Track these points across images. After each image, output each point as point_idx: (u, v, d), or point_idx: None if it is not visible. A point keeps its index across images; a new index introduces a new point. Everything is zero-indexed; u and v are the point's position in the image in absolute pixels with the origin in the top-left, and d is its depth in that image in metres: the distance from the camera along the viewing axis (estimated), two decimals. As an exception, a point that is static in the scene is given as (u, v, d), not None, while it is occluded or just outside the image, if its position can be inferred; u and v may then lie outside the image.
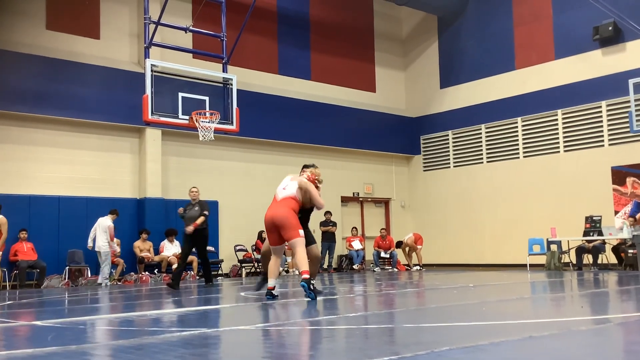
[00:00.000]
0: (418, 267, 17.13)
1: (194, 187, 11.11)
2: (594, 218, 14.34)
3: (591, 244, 14.31)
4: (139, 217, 14.80)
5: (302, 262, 7.27)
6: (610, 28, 15.63)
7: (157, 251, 14.58)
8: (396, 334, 4.68)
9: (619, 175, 15.57)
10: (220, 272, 15.56)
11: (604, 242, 14.41)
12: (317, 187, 7.89)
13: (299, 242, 7.32)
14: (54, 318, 6.29)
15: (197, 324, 5.56)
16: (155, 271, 14.13)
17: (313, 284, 7.44)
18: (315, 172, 8.02)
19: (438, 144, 19.77)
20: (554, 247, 14.63)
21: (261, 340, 4.53)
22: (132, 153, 15.09)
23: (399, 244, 17.58)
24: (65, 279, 12.98)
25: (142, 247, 14.32)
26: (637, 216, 14.24)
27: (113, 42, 15.08)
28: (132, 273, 13.83)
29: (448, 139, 19.44)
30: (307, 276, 7.17)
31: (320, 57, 18.77)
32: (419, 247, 17.29)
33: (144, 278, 13.62)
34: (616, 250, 14.10)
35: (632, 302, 6.87)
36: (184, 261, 10.90)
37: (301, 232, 7.40)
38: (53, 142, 14.00)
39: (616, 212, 15.49)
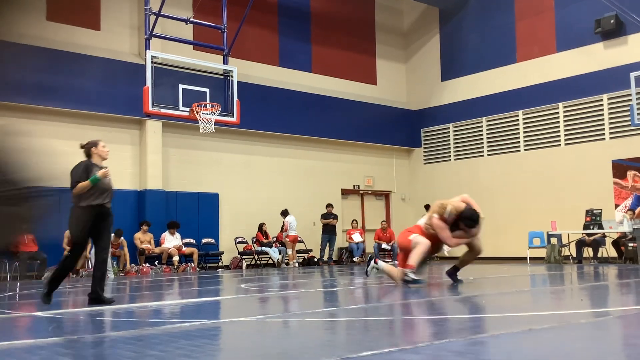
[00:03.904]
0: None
1: (102, 141, 7.18)
2: (595, 211, 14.34)
3: (591, 238, 14.31)
4: (139, 208, 14.82)
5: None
6: (612, 21, 15.59)
7: (157, 243, 14.60)
8: (396, 326, 4.69)
9: (620, 168, 15.56)
10: (220, 264, 15.61)
11: (604, 236, 14.41)
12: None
13: None
14: (55, 309, 6.30)
15: (198, 316, 5.58)
16: (156, 263, 14.17)
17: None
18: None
19: (439, 136, 19.74)
20: (554, 240, 14.63)
21: (261, 332, 4.54)
22: (132, 145, 15.09)
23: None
24: (65, 270, 12.99)
25: (143, 239, 14.34)
26: (637, 210, 14.24)
27: (114, 33, 15.04)
28: (133, 265, 13.87)
29: (449, 132, 19.42)
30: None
31: (321, 50, 18.73)
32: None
33: (144, 270, 13.66)
34: (616, 243, 14.10)
35: (632, 295, 6.88)
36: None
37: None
38: (53, 134, 13.95)
39: (616, 206, 15.49)
